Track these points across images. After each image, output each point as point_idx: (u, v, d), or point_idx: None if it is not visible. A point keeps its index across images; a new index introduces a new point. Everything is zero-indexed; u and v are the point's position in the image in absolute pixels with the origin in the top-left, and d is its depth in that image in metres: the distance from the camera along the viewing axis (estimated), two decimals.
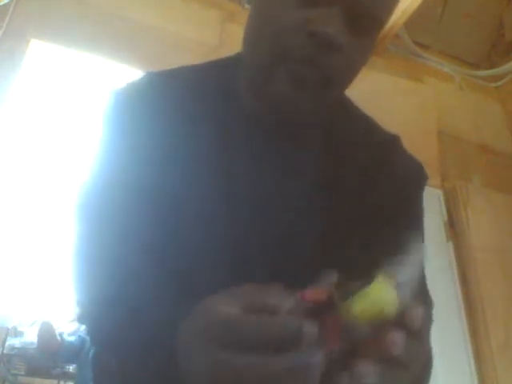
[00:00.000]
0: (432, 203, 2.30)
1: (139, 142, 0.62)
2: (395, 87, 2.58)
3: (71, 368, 1.75)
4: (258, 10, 0.61)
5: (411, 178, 0.68)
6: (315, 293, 0.39)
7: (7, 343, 1.71)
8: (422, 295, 0.63)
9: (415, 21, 2.44)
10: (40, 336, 1.70)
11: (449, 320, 2.00)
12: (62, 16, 2.06)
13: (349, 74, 0.60)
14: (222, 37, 2.31)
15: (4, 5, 1.98)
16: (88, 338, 1.59)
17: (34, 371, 1.72)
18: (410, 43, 2.70)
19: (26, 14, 2.02)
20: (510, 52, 2.79)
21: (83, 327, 1.72)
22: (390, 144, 0.70)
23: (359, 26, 0.56)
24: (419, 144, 2.47)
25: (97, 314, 0.56)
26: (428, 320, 0.56)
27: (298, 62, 0.56)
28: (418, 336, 0.37)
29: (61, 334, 1.73)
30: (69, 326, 1.81)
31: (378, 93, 2.50)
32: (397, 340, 0.36)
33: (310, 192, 0.64)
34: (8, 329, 1.75)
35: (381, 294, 0.39)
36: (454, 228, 2.25)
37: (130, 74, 2.08)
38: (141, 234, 0.58)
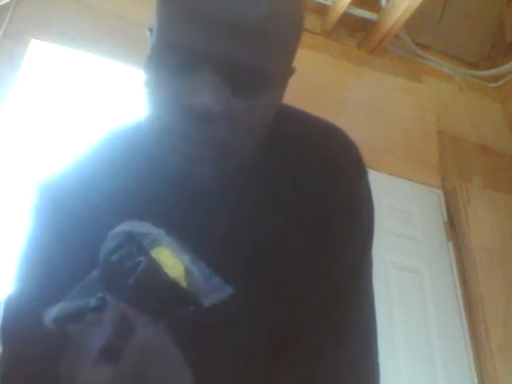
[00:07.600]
0: (432, 203, 2.30)
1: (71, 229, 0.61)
2: (395, 87, 2.57)
3: None
4: (149, 78, 0.56)
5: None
6: None
7: None
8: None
9: (415, 21, 2.44)
10: None
11: (449, 320, 2.00)
12: (62, 16, 2.07)
13: (247, 134, 0.55)
14: None
15: (4, 5, 1.98)
16: None
17: None
18: (410, 43, 2.70)
19: (26, 14, 2.02)
20: (510, 52, 2.79)
21: None
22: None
23: (243, 82, 0.51)
24: (419, 144, 2.48)
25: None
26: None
27: (181, 139, 0.52)
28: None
29: None
30: None
31: (378, 93, 2.50)
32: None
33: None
34: None
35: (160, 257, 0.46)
36: (454, 228, 2.25)
37: (130, 73, 2.08)
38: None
